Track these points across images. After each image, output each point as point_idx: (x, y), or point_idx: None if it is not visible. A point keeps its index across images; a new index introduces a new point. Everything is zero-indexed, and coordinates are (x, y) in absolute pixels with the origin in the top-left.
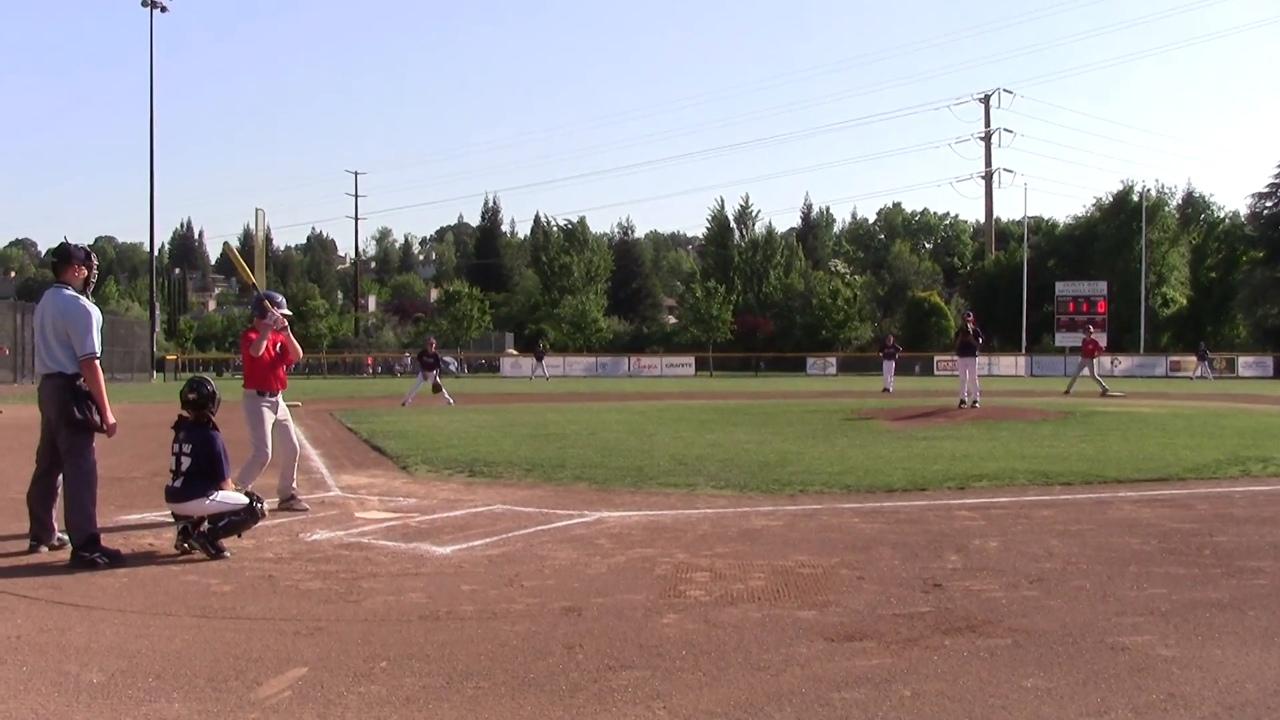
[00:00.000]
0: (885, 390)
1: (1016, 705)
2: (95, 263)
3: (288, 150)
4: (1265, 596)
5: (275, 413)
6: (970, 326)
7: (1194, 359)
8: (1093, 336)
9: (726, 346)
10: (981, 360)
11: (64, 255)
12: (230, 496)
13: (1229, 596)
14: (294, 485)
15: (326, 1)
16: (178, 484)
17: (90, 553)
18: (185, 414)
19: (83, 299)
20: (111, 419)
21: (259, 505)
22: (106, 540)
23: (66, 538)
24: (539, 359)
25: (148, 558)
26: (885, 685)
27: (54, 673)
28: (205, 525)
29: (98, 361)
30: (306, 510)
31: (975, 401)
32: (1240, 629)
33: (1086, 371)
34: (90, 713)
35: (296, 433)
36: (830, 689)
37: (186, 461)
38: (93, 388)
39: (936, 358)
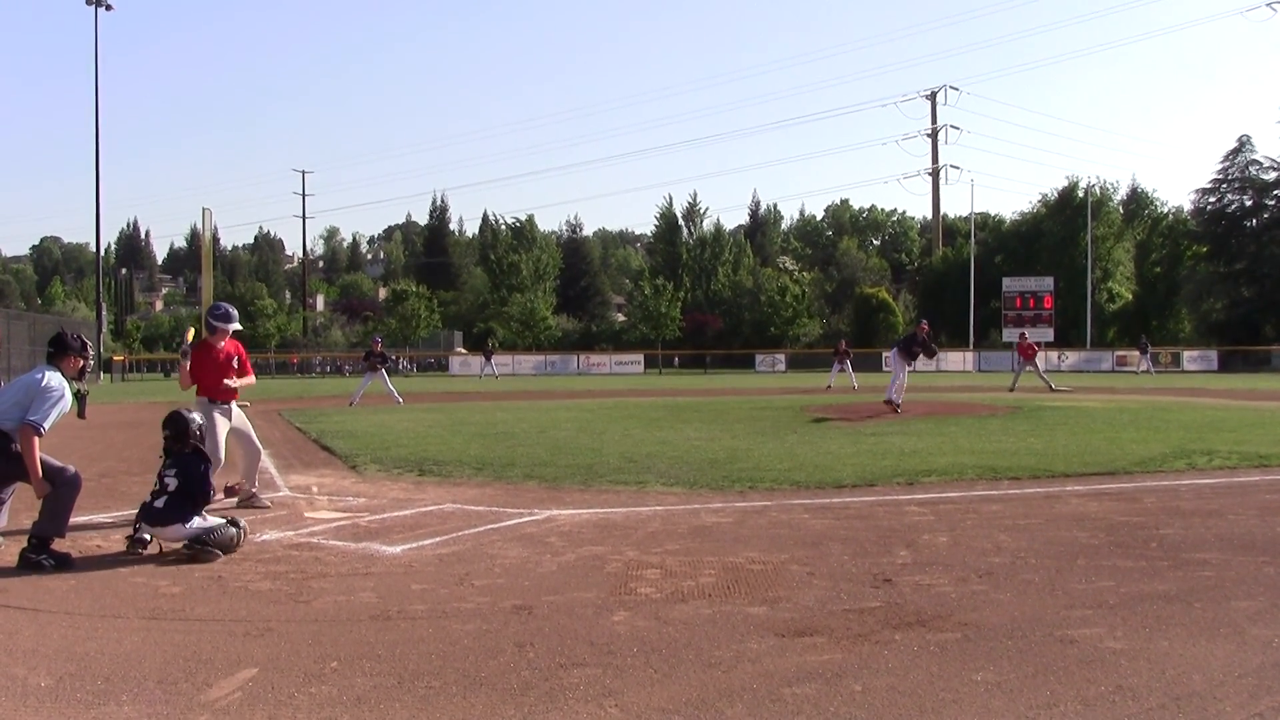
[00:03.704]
0: (852, 388)
1: (966, 699)
2: (91, 352)
3: (235, 149)
4: (1211, 588)
5: (230, 419)
6: (920, 335)
7: (1137, 353)
8: (1028, 340)
9: (675, 344)
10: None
11: (61, 346)
12: (207, 521)
13: (1176, 589)
14: (255, 484)
15: (273, 0)
16: (159, 504)
17: (38, 555)
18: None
19: (67, 386)
20: (41, 484)
21: (236, 529)
22: (54, 543)
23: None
24: (488, 357)
25: (96, 560)
26: (836, 680)
27: (1, 677)
28: (184, 546)
29: (38, 439)
30: (268, 507)
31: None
32: (1187, 621)
33: (1030, 369)
34: (39, 716)
35: (255, 435)
36: (781, 684)
37: (172, 484)
38: (26, 454)
39: (884, 354)
